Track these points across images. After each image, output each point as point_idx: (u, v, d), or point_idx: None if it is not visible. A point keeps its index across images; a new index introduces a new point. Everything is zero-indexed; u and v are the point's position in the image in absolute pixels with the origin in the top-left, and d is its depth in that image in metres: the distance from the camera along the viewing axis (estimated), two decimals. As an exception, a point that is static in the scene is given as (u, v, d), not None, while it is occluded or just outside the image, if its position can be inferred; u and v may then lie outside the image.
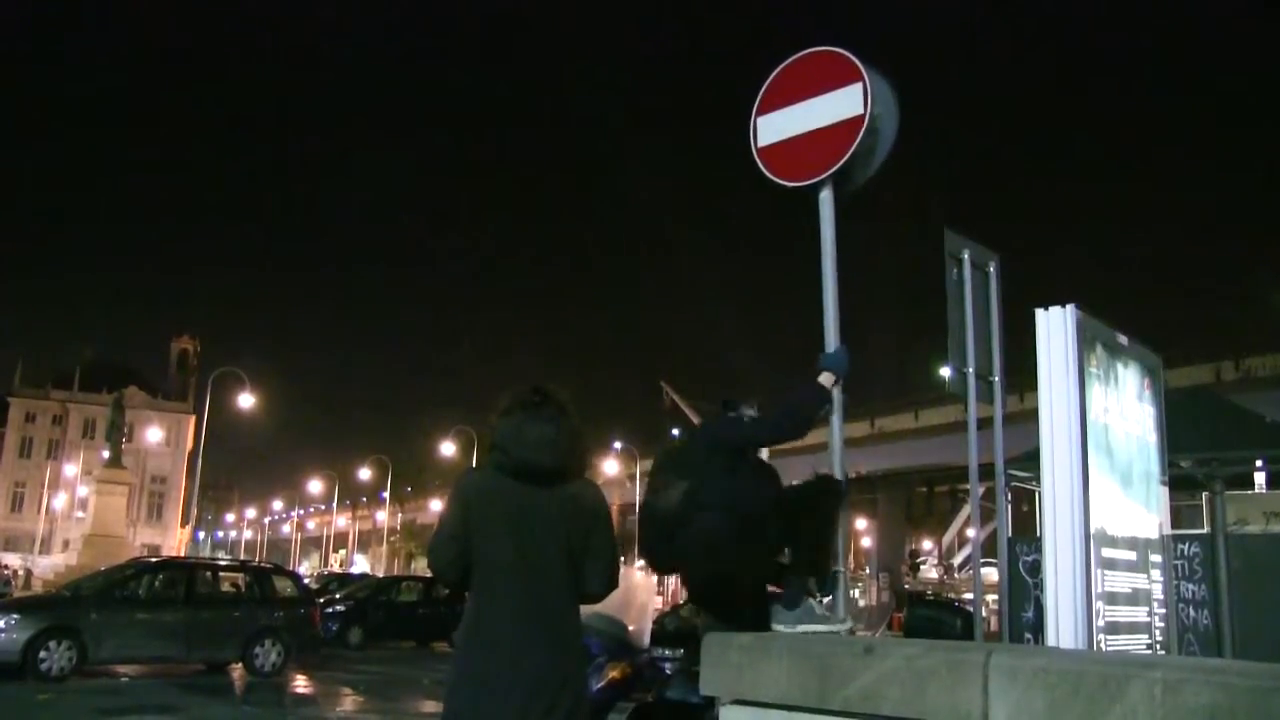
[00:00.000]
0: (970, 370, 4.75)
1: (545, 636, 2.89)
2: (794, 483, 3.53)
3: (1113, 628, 3.98)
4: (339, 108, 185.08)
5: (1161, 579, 4.56)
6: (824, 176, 3.76)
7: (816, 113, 3.72)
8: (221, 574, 16.09)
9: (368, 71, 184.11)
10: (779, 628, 2.93)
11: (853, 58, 3.71)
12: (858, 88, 3.65)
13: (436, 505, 54.10)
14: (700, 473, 3.37)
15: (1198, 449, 6.65)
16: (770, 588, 3.46)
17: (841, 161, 3.65)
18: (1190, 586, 5.74)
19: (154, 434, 67.08)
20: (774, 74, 3.94)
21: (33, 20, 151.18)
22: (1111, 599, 4.00)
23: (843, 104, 3.69)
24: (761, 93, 3.95)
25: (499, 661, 2.85)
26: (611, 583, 3.07)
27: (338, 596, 22.75)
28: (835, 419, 3.69)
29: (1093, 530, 3.85)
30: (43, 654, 12.20)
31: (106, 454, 34.58)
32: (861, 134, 3.61)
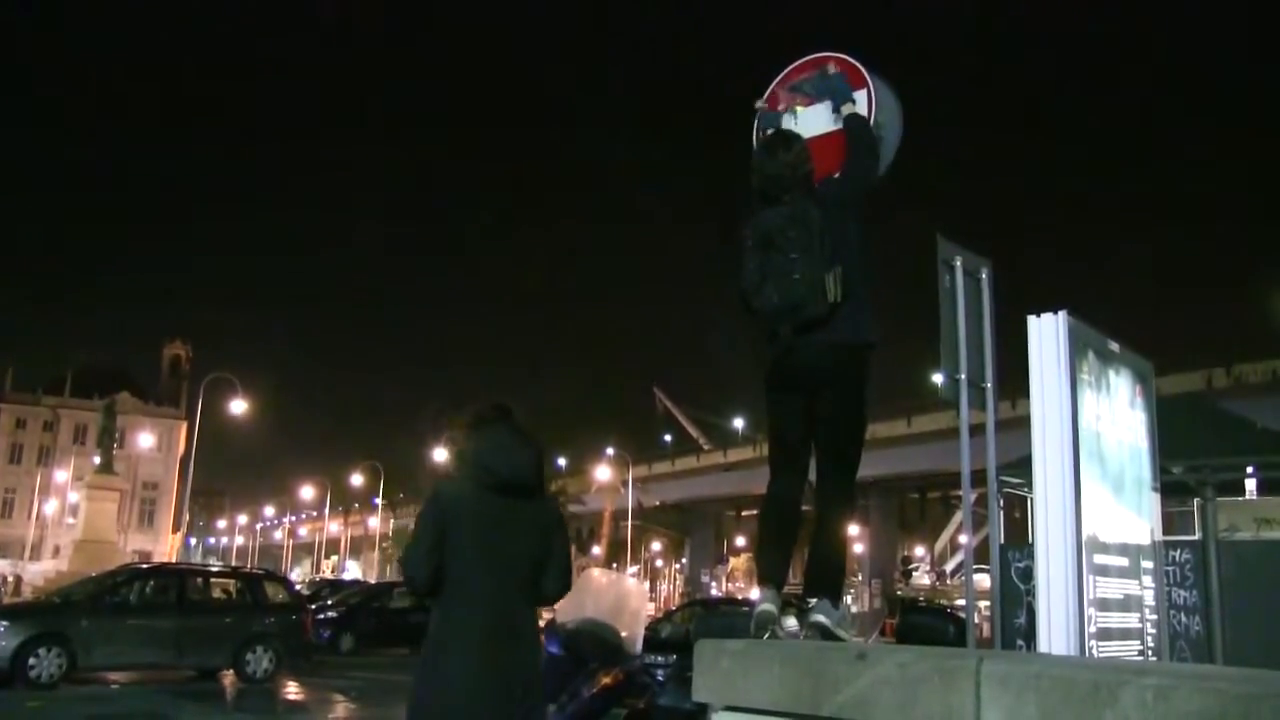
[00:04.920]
0: (963, 377, 4.75)
1: (513, 640, 3.13)
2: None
3: (1105, 634, 3.98)
4: (335, 109, 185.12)
5: (1153, 585, 4.56)
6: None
7: (820, 118, 3.72)
8: (213, 580, 16.06)
9: (364, 73, 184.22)
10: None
11: (857, 64, 3.70)
12: (862, 94, 3.64)
13: (429, 511, 53.73)
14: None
15: (1189, 455, 6.65)
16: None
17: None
18: (1181, 593, 5.75)
19: (145, 440, 66.98)
20: (777, 79, 3.93)
21: (28, 21, 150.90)
22: (1103, 605, 4.00)
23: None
24: (765, 96, 3.94)
25: (475, 664, 3.06)
26: (566, 586, 3.35)
27: (330, 603, 22.68)
28: None
29: (1085, 537, 3.85)
30: (32, 661, 12.15)
31: (98, 460, 34.47)
32: None
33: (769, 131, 3.61)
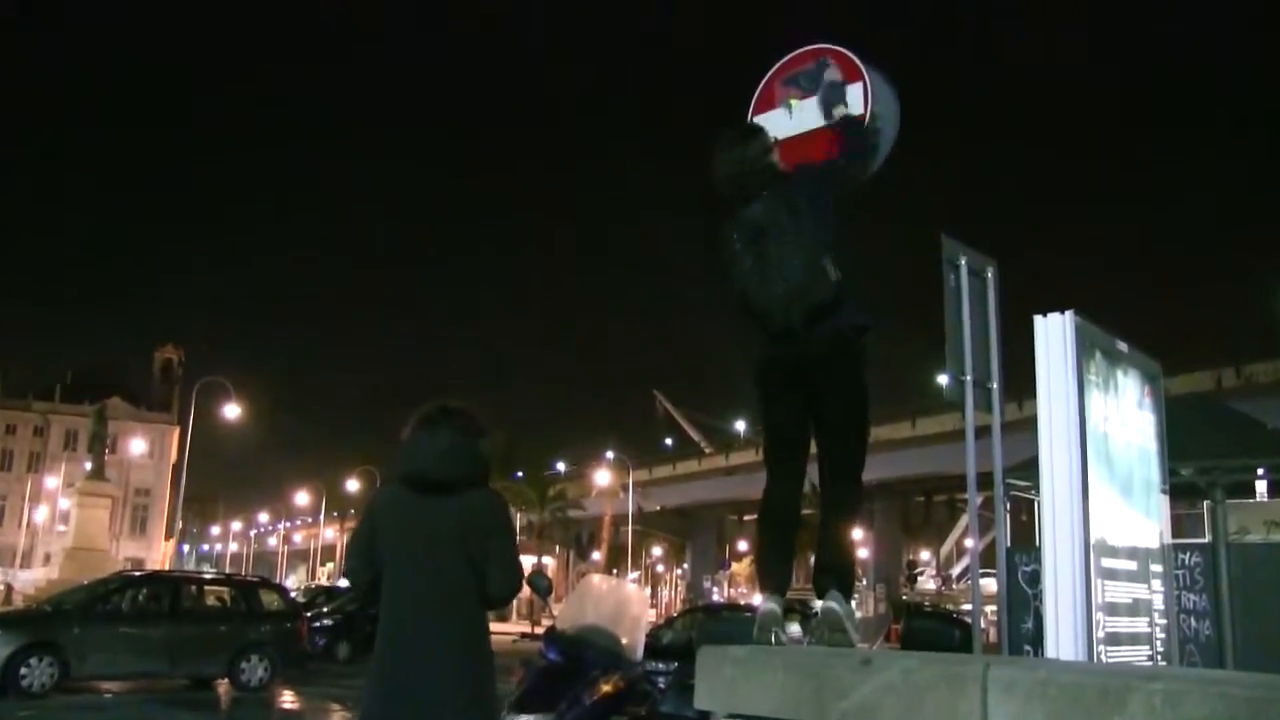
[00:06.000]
0: (968, 378, 4.69)
1: (448, 637, 3.06)
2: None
3: (1113, 639, 3.93)
4: (329, 114, 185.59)
5: (1162, 589, 4.50)
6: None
7: (815, 111, 3.65)
8: (207, 588, 15.95)
9: (364, 75, 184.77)
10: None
11: (853, 57, 3.64)
12: (858, 87, 3.59)
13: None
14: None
15: (1198, 457, 6.60)
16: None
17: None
18: (1191, 596, 5.69)
19: (137, 445, 66.48)
20: (772, 70, 3.87)
21: (28, 21, 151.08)
22: (1112, 609, 3.95)
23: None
24: (759, 90, 3.88)
25: (407, 661, 3.05)
26: (511, 587, 3.19)
27: (325, 610, 22.53)
28: None
29: (1093, 540, 3.80)
30: (24, 670, 12.04)
31: (89, 466, 34.36)
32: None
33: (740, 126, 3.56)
